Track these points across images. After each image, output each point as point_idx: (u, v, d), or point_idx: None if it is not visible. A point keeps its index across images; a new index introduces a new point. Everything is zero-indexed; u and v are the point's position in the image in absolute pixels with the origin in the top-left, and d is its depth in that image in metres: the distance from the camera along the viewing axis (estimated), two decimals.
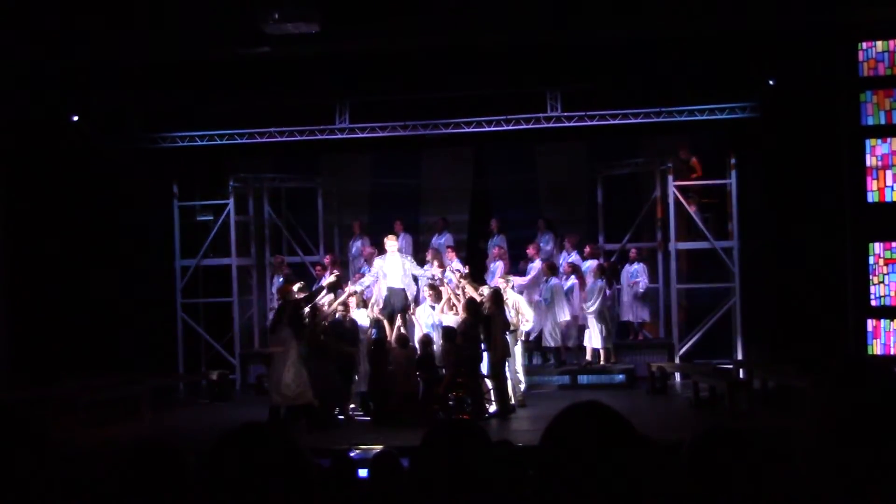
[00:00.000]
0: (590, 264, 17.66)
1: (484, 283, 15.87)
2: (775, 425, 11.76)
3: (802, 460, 2.65)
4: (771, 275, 17.01)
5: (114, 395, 15.58)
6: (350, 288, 15.46)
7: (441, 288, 15.34)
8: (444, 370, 14.50)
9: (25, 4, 14.76)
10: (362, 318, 15.21)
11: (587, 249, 18.22)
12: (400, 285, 15.70)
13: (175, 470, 3.05)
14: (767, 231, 17.14)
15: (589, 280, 17.23)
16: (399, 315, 15.54)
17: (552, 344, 17.57)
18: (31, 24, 14.83)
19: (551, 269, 17.34)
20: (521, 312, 15.41)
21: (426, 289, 15.54)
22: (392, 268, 15.72)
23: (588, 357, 17.44)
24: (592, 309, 17.07)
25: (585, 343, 17.44)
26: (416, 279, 16.17)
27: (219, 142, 18.68)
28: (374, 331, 15.22)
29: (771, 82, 16.81)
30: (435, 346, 14.77)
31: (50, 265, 17.14)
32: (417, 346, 14.76)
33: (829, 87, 16.56)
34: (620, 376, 17.26)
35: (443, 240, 18.95)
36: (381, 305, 15.71)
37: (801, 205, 16.81)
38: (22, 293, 16.90)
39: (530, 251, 18.18)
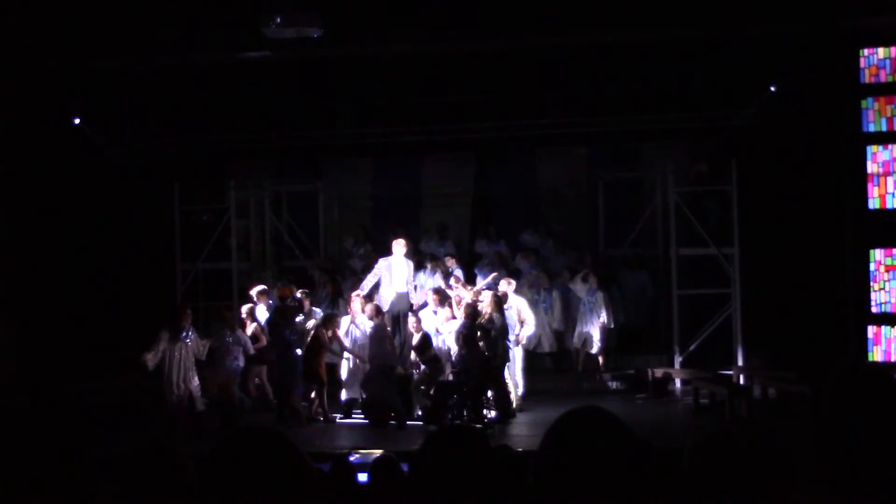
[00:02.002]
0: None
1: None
2: (775, 432, 11.77)
3: (803, 466, 2.65)
4: (771, 281, 17.00)
5: (115, 398, 15.56)
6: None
7: (450, 294, 15.34)
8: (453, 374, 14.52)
9: (28, 8, 14.79)
10: (367, 323, 15.15)
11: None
12: (405, 290, 15.70)
13: (176, 474, 3.05)
14: (768, 237, 17.12)
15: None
16: (402, 318, 15.56)
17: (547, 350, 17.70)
18: (33, 27, 14.85)
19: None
20: (523, 316, 15.39)
21: (430, 293, 15.48)
22: (399, 271, 15.71)
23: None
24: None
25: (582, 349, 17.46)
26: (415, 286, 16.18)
27: (220, 146, 18.69)
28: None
29: (772, 88, 16.82)
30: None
31: (51, 269, 17.14)
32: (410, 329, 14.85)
33: (830, 93, 16.57)
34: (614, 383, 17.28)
35: (443, 248, 18.95)
36: (385, 308, 15.70)
37: (802, 211, 16.80)
38: (24, 297, 16.90)
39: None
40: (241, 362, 14.69)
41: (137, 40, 15.17)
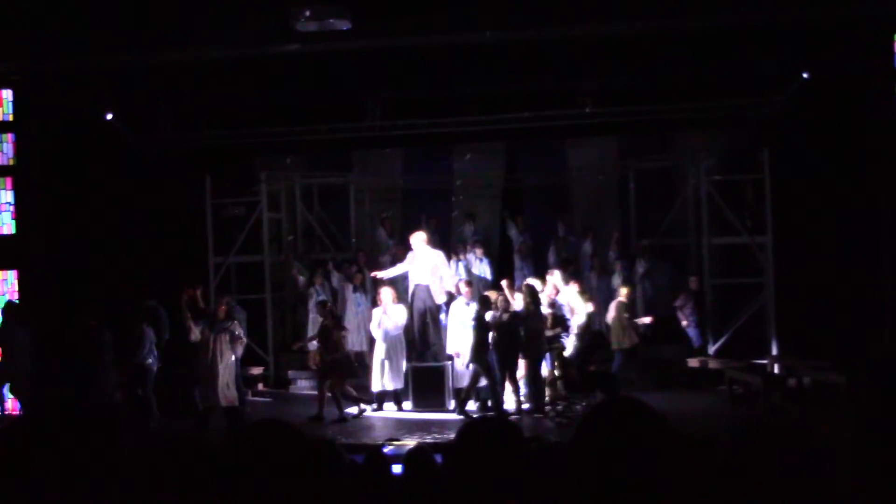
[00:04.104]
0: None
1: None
2: (811, 421, 11.69)
3: (838, 456, 2.63)
4: (805, 270, 16.87)
5: (146, 391, 15.68)
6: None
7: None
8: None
9: (61, 5, 14.90)
10: (400, 314, 15.22)
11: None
12: (426, 282, 15.66)
13: (208, 465, 3.06)
14: (801, 226, 16.99)
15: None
16: (430, 312, 15.58)
17: None
18: (66, 25, 14.96)
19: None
20: (573, 305, 15.39)
21: (462, 285, 15.47)
22: (419, 263, 15.71)
23: None
24: None
25: None
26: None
27: (251, 139, 18.79)
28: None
29: (804, 75, 16.68)
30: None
31: (85, 264, 17.28)
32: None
33: (863, 79, 16.41)
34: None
35: (471, 237, 19.09)
36: (408, 301, 15.78)
37: (835, 199, 16.67)
38: (55, 290, 17.06)
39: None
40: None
41: (167, 35, 15.23)
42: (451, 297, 15.58)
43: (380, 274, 16.24)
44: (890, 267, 16.38)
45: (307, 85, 17.31)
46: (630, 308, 16.05)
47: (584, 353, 15.43)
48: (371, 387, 15.29)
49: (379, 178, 20.81)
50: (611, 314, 15.84)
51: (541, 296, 14.81)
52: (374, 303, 16.32)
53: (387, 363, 15.07)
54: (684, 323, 17.38)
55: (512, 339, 14.25)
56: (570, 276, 16.72)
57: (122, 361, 15.09)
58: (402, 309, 15.29)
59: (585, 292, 15.95)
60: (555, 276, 15.71)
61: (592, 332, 15.69)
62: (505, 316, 14.31)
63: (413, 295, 15.73)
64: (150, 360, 14.94)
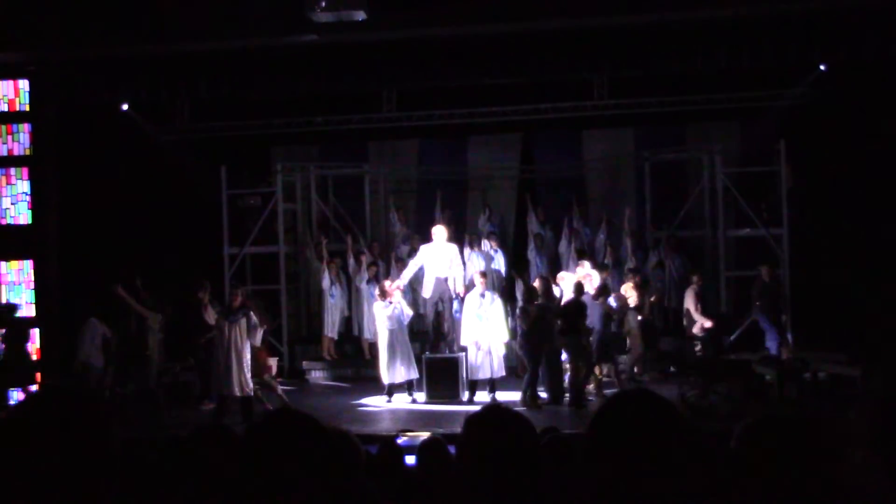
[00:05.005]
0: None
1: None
2: (826, 414, 11.65)
3: (853, 449, 2.63)
4: (822, 262, 16.81)
5: (164, 381, 15.74)
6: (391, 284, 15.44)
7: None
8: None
9: None
10: (406, 305, 15.26)
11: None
12: (444, 274, 15.66)
13: (228, 452, 3.08)
14: (818, 218, 16.93)
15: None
16: (445, 303, 15.58)
17: None
18: (83, 15, 15.01)
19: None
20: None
21: (477, 276, 15.40)
22: (437, 257, 15.70)
23: None
24: None
25: None
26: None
27: (267, 130, 18.81)
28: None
29: (822, 67, 16.59)
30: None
31: (100, 255, 17.34)
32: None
33: (882, 69, 16.34)
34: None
35: (486, 228, 19.12)
36: (427, 295, 15.74)
37: (852, 191, 16.60)
38: (72, 280, 17.13)
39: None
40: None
41: (184, 25, 15.27)
42: (467, 289, 15.55)
43: (402, 283, 15.95)
44: None
45: (323, 75, 17.34)
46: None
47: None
48: (381, 379, 15.23)
49: (394, 168, 20.82)
50: (687, 301, 16.20)
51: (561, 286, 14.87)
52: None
53: (399, 354, 15.02)
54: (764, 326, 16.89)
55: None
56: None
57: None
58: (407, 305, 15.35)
59: (642, 285, 16.05)
60: (585, 268, 15.69)
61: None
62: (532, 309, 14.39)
63: (432, 287, 15.77)
64: (93, 357, 14.69)
